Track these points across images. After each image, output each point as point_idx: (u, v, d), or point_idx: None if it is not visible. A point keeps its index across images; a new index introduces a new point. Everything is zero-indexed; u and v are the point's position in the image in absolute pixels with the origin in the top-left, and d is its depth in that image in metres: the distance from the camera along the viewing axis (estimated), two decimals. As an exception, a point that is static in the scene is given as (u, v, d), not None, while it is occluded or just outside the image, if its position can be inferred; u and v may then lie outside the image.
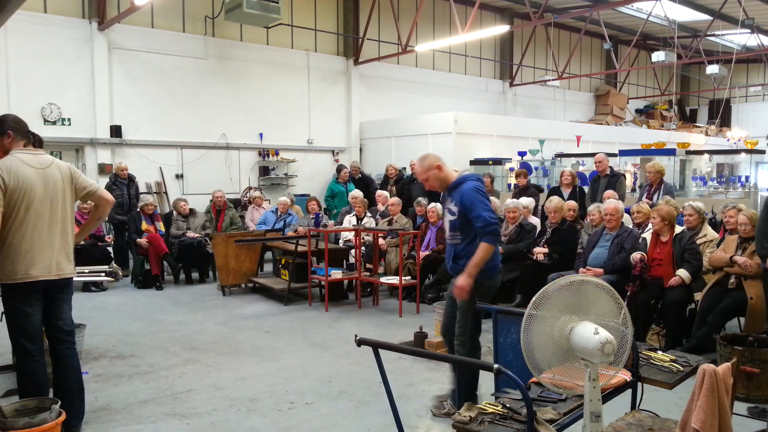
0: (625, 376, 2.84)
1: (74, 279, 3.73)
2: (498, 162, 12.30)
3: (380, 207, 8.96)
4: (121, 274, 7.49)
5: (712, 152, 13.43)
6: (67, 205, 3.61)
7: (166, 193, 11.71)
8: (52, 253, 3.49)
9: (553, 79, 17.38)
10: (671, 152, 11.53)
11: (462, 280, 3.72)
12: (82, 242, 6.97)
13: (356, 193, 8.98)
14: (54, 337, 3.65)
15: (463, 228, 3.85)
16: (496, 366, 2.33)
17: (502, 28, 13.49)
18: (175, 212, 9.09)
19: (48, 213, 3.48)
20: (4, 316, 3.57)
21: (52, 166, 3.55)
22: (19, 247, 3.39)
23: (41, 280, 3.45)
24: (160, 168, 11.68)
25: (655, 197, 7.52)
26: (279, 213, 9.33)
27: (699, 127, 21.91)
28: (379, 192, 9.53)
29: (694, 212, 5.89)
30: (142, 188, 10.70)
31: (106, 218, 6.21)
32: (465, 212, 3.78)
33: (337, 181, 11.66)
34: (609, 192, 7.37)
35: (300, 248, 7.71)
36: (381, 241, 7.84)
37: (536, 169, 12.59)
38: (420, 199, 8.93)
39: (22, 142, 3.54)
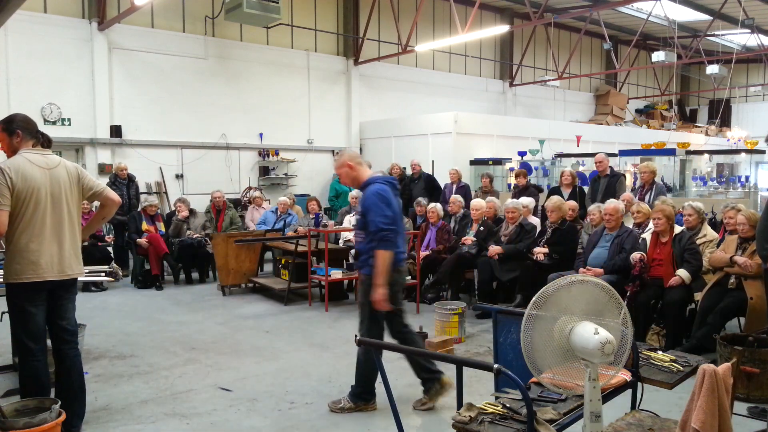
0: (625, 376, 2.84)
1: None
2: (498, 162, 12.28)
3: (380, 207, 8.94)
4: (121, 274, 7.48)
5: (712, 152, 13.43)
6: (74, 206, 3.61)
7: (166, 193, 11.71)
8: (59, 252, 3.49)
9: (553, 79, 17.36)
10: (671, 152, 11.54)
11: (375, 295, 3.80)
12: (84, 243, 6.98)
13: (356, 193, 8.97)
14: (58, 337, 3.64)
15: (365, 227, 3.93)
16: (496, 366, 2.33)
17: (502, 28, 13.49)
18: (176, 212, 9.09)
19: (55, 213, 3.48)
20: (6, 315, 3.57)
21: (59, 167, 3.55)
22: (26, 246, 3.39)
23: (48, 280, 3.46)
24: (160, 168, 11.68)
25: (647, 197, 7.51)
26: (279, 213, 9.33)
27: (699, 127, 21.90)
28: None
29: (693, 212, 5.88)
30: (142, 188, 10.70)
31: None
32: (365, 213, 3.89)
33: (339, 180, 11.62)
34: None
35: (300, 248, 7.71)
36: (381, 241, 7.82)
37: (536, 169, 12.58)
38: (420, 199, 8.93)
39: (31, 142, 3.54)
